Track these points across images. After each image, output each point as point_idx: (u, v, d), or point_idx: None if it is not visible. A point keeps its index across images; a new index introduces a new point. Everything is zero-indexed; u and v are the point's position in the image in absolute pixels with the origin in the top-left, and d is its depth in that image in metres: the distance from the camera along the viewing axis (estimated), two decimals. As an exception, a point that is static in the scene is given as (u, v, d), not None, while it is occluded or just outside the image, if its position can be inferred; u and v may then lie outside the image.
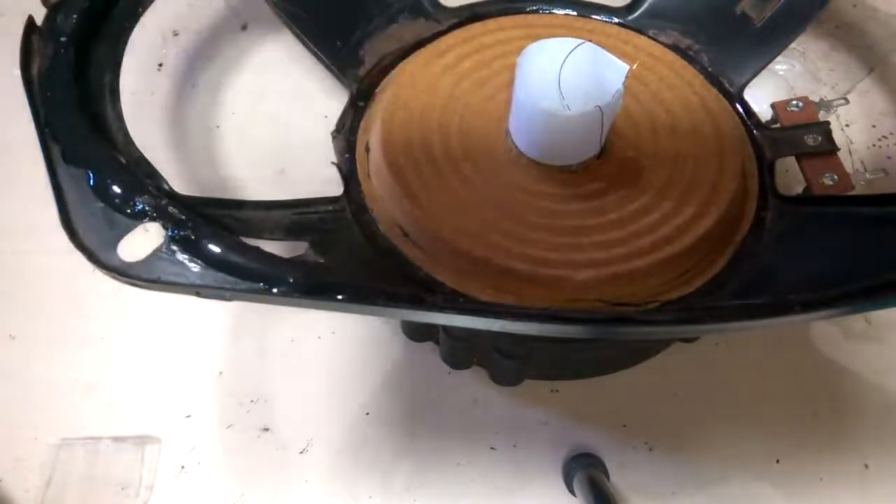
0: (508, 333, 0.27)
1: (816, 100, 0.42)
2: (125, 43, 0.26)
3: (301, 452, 0.32)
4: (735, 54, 0.31)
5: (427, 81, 0.29)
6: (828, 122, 0.30)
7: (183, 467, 0.32)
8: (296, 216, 0.26)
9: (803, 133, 0.30)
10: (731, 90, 0.31)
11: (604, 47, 0.26)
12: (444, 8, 0.32)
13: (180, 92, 0.42)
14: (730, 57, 0.31)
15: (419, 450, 0.32)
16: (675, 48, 0.32)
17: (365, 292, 0.21)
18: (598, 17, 0.33)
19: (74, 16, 0.24)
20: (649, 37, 0.32)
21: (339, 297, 0.21)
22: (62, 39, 0.24)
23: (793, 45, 0.32)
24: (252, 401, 0.33)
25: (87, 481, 0.31)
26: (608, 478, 0.31)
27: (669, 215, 0.26)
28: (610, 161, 0.27)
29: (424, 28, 0.32)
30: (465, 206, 0.25)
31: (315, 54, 0.30)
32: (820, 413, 0.33)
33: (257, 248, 0.22)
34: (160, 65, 0.43)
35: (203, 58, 0.43)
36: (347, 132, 0.29)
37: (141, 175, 0.23)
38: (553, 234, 0.25)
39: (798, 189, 0.30)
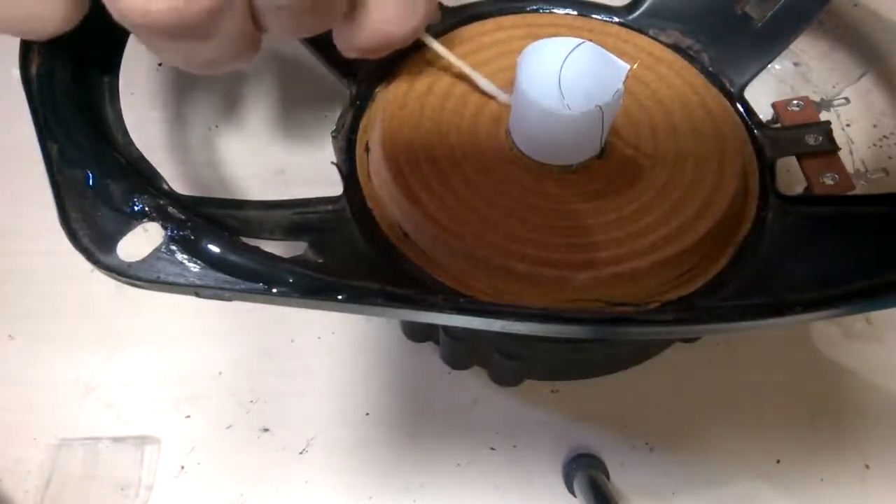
0: (508, 334, 0.27)
1: (817, 99, 0.42)
2: (125, 43, 0.26)
3: (301, 452, 0.32)
4: (736, 54, 0.31)
5: (427, 81, 0.29)
6: (828, 122, 0.30)
7: (182, 467, 0.32)
8: (295, 216, 0.26)
9: (804, 133, 0.29)
10: (732, 90, 0.31)
11: (604, 47, 0.26)
12: (444, 8, 0.32)
13: (180, 91, 0.42)
14: (730, 57, 0.31)
15: (419, 450, 0.32)
16: (675, 48, 0.31)
17: (365, 292, 0.21)
18: (598, 17, 0.33)
19: (74, 15, 0.24)
20: (650, 36, 0.32)
21: (339, 297, 0.21)
22: (61, 39, 0.24)
23: (794, 44, 0.32)
24: (252, 401, 0.33)
25: (87, 481, 0.31)
26: (608, 478, 0.31)
27: (670, 215, 0.25)
28: (610, 161, 0.27)
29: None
30: (466, 207, 0.25)
31: (314, 53, 0.30)
32: (820, 413, 0.33)
33: (257, 248, 0.22)
34: (160, 64, 0.43)
35: (203, 57, 0.43)
36: (347, 132, 0.29)
37: (140, 175, 0.23)
38: (553, 234, 0.25)
39: (799, 189, 0.30)
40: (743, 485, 0.31)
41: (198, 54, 0.20)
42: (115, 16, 0.18)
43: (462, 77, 0.29)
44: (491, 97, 0.28)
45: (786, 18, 0.31)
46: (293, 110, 0.42)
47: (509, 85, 0.27)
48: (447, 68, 0.29)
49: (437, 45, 0.27)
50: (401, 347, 0.34)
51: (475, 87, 0.28)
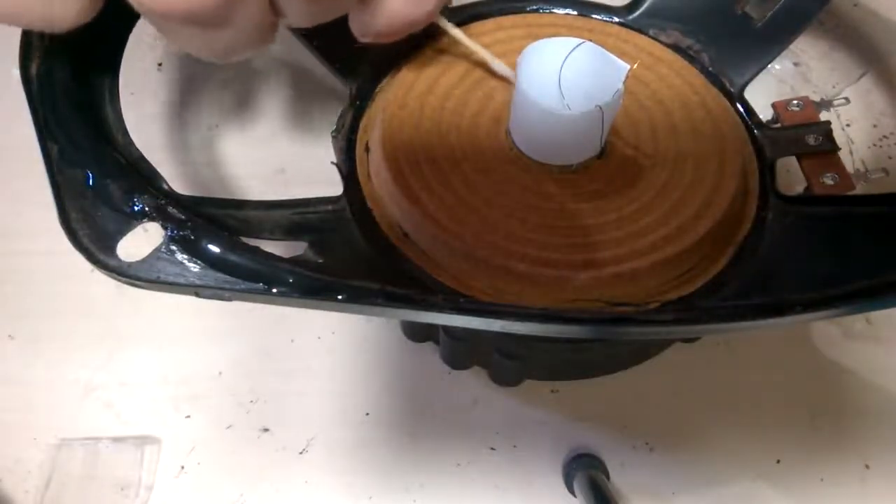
0: (508, 334, 0.27)
1: (817, 99, 0.42)
2: (125, 42, 0.26)
3: (301, 452, 0.32)
4: (736, 54, 0.31)
5: (427, 81, 0.29)
6: (828, 122, 0.30)
7: (182, 467, 0.32)
8: (296, 216, 0.26)
9: (804, 132, 0.29)
10: (732, 90, 0.31)
11: (604, 47, 0.26)
12: (444, 8, 0.32)
13: (180, 91, 0.42)
14: (730, 57, 0.31)
15: (419, 450, 0.32)
16: (675, 48, 0.31)
17: (365, 292, 0.21)
18: (598, 17, 0.33)
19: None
20: (650, 36, 0.32)
21: (339, 297, 0.21)
22: (61, 39, 0.24)
23: (794, 44, 0.32)
24: (252, 401, 0.33)
25: (87, 481, 0.31)
26: (608, 478, 0.31)
27: (670, 215, 0.25)
28: (610, 161, 0.27)
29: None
30: (466, 207, 0.25)
31: (315, 53, 0.30)
32: (820, 413, 0.33)
33: (257, 248, 0.22)
34: (160, 64, 0.43)
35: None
36: (347, 132, 0.29)
37: (140, 175, 0.23)
38: (553, 234, 0.25)
39: (799, 189, 0.30)
40: (743, 485, 0.31)
41: (214, 41, 0.19)
42: (134, 4, 0.18)
43: (466, 73, 0.29)
44: (505, 80, 0.28)
45: (786, 18, 0.31)
46: (293, 110, 0.42)
47: (509, 85, 0.27)
48: (448, 67, 0.29)
49: (452, 28, 0.27)
50: (401, 347, 0.34)
51: (490, 70, 0.28)
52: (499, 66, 0.28)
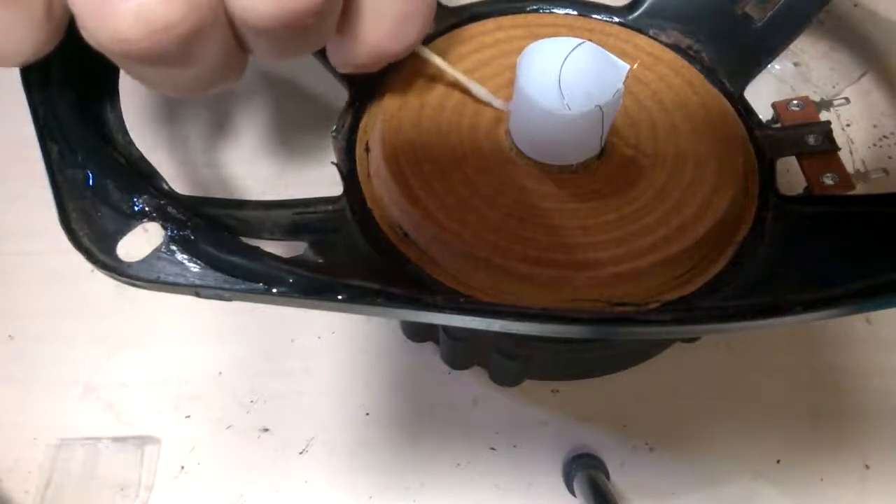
0: (508, 333, 0.27)
1: (817, 99, 0.42)
2: (125, 42, 0.26)
3: (301, 452, 0.32)
4: (736, 54, 0.31)
5: (426, 81, 0.29)
6: (828, 122, 0.30)
7: (183, 468, 0.32)
8: (296, 216, 0.26)
9: (804, 133, 0.29)
10: (732, 90, 0.31)
11: (604, 47, 0.26)
12: (444, 8, 0.32)
13: (180, 92, 0.42)
14: (730, 57, 0.31)
15: (419, 450, 0.32)
16: (675, 48, 0.31)
17: (365, 292, 0.21)
18: (598, 17, 0.33)
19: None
20: (650, 36, 0.32)
21: (339, 297, 0.20)
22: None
23: (794, 44, 0.32)
24: (252, 401, 0.33)
25: (87, 482, 0.31)
26: (608, 478, 0.31)
27: (670, 215, 0.25)
28: (610, 161, 0.27)
29: (424, 28, 0.32)
30: (466, 207, 0.25)
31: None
32: (820, 413, 0.33)
33: (257, 248, 0.22)
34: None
35: (203, 57, 0.43)
36: (347, 132, 0.29)
37: (140, 175, 0.23)
38: (553, 234, 0.25)
39: (799, 189, 0.30)
40: (743, 485, 0.31)
41: (180, 79, 0.19)
42: (92, 43, 0.17)
43: (458, 85, 0.29)
44: (487, 104, 0.28)
45: (786, 18, 0.31)
46: (293, 110, 0.42)
47: (509, 85, 0.27)
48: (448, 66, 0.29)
49: (433, 57, 0.27)
50: (401, 347, 0.34)
51: (471, 95, 0.28)
52: (480, 91, 0.28)
